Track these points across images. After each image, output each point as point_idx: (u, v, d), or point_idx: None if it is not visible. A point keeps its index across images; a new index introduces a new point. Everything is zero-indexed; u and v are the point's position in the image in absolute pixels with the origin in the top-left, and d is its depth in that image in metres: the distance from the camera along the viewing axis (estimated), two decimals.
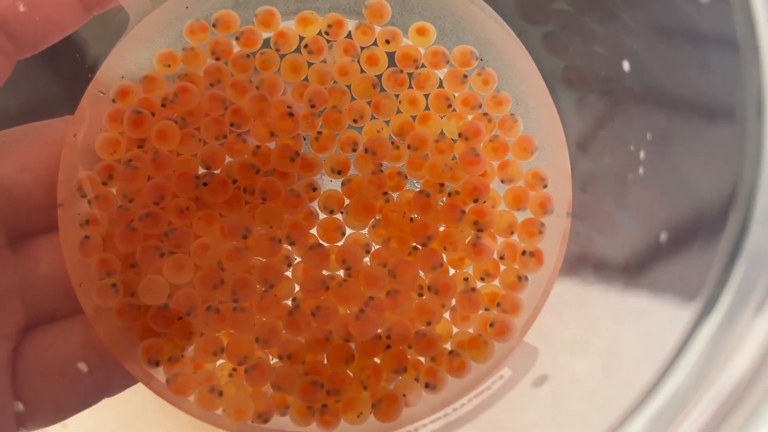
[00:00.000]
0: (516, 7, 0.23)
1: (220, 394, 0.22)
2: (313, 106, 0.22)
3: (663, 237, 0.19)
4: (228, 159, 0.22)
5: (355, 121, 0.22)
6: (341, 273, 0.23)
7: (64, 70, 0.23)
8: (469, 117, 0.23)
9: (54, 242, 0.22)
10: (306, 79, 0.23)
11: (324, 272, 0.22)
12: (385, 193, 0.22)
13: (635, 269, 0.21)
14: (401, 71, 0.23)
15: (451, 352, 0.23)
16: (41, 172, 0.22)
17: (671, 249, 0.19)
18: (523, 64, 0.23)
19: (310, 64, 0.23)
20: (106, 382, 0.22)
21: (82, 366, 0.22)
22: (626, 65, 0.20)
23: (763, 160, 0.15)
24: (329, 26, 0.22)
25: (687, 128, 0.19)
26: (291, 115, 0.21)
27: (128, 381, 0.23)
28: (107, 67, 0.23)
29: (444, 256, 0.23)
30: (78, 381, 0.22)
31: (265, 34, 0.23)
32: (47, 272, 0.22)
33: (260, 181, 0.21)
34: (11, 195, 0.22)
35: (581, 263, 0.23)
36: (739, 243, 0.15)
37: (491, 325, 0.23)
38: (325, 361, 0.22)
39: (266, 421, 0.22)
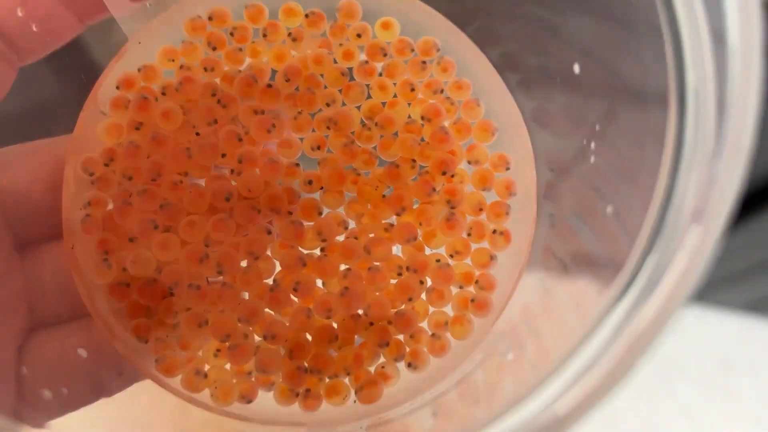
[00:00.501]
0: (458, 9, 0.24)
1: (205, 376, 0.23)
2: (288, 80, 0.24)
3: (609, 210, 0.19)
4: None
5: (327, 104, 0.24)
6: (317, 252, 0.24)
7: (66, 82, 0.25)
8: (433, 101, 0.25)
9: (58, 250, 0.23)
10: None
11: (302, 251, 0.23)
12: (357, 172, 0.24)
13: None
14: (366, 62, 0.25)
15: (433, 334, 0.24)
16: (48, 183, 0.23)
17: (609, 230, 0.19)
18: (476, 58, 0.25)
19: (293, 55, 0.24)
20: (102, 382, 0.23)
21: (82, 352, 0.23)
22: (576, 59, 0.21)
23: (683, 146, 0.16)
24: (312, 12, 0.24)
25: (626, 111, 0.19)
26: (270, 86, 0.23)
27: (125, 382, 0.23)
28: (105, 85, 0.24)
29: (419, 231, 0.24)
30: (76, 379, 0.23)
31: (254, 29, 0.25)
32: (51, 278, 0.23)
33: (241, 149, 0.23)
34: (21, 203, 0.23)
35: (556, 246, 0.24)
36: (658, 229, 0.16)
37: (472, 301, 0.24)
38: (309, 339, 0.23)
39: (250, 401, 0.23)
